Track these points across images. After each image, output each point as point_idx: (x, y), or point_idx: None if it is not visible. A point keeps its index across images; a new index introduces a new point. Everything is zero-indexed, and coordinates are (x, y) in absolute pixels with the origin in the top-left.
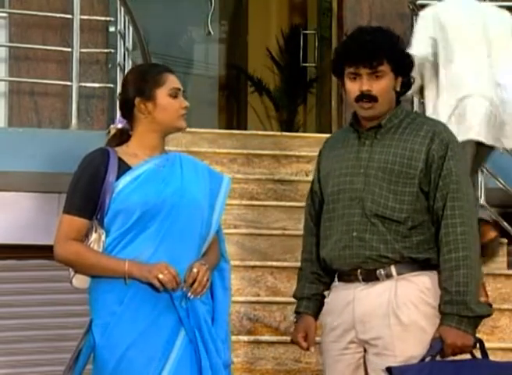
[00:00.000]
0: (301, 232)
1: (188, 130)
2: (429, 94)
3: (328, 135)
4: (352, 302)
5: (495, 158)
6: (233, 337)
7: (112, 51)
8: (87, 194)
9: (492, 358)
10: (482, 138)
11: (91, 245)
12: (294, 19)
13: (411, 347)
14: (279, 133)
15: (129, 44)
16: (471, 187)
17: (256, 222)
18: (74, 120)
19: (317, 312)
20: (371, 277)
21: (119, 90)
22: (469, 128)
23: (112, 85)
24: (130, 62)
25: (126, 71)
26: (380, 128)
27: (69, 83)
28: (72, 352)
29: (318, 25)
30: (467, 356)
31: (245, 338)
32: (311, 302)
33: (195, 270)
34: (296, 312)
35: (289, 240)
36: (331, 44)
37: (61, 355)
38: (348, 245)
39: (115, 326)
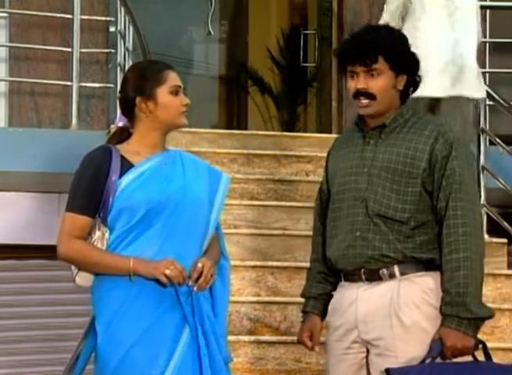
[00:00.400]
0: (301, 232)
1: (188, 130)
2: None
3: (328, 135)
4: (355, 302)
5: (495, 158)
6: (234, 337)
7: (113, 51)
8: (89, 191)
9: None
10: (441, 94)
11: (95, 243)
12: (294, 19)
13: (413, 348)
14: (279, 133)
15: (130, 44)
16: (475, 187)
17: (256, 222)
18: (74, 120)
19: (323, 312)
20: (374, 277)
21: (119, 90)
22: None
23: (112, 85)
24: (131, 62)
25: None
26: (384, 127)
27: (69, 83)
28: (73, 352)
29: (318, 25)
30: (470, 358)
31: (245, 338)
32: (317, 302)
33: (200, 265)
34: (303, 312)
35: (290, 240)
36: (331, 44)
37: (61, 355)
38: (351, 245)
39: (119, 324)
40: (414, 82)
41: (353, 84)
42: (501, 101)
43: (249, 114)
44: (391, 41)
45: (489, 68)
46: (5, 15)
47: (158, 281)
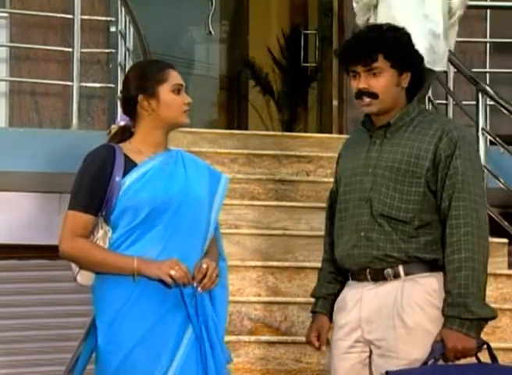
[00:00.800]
0: (302, 232)
1: (189, 130)
2: None
3: (328, 135)
4: (360, 301)
5: (495, 158)
6: (234, 337)
7: (113, 51)
8: (92, 190)
9: None
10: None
11: (97, 242)
12: (295, 19)
13: (415, 350)
14: (279, 133)
15: (130, 44)
16: (479, 186)
17: (257, 222)
18: (75, 120)
19: (331, 312)
20: (379, 277)
21: (119, 90)
22: None
23: (112, 85)
24: (131, 62)
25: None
26: (390, 127)
27: (69, 83)
28: (73, 352)
29: (318, 25)
30: (475, 360)
31: (246, 338)
32: (326, 302)
33: (205, 266)
34: (312, 312)
35: (290, 240)
36: (332, 44)
37: (61, 355)
38: (356, 245)
39: (121, 324)
40: (419, 79)
41: (355, 84)
42: (501, 102)
43: (249, 114)
44: (391, 39)
45: (490, 68)
46: (5, 15)
47: (161, 281)
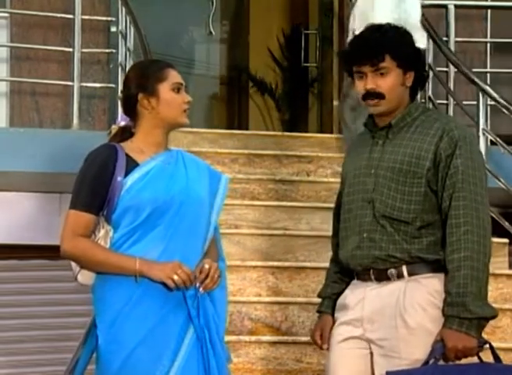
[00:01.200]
0: (302, 232)
1: (189, 130)
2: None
3: (329, 135)
4: (362, 301)
5: (496, 158)
6: (234, 337)
7: (114, 51)
8: (93, 189)
9: (492, 358)
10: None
11: (99, 241)
12: (295, 19)
13: (417, 350)
14: (280, 133)
15: (131, 44)
16: (480, 185)
17: (257, 222)
18: (75, 120)
19: None
20: (382, 277)
21: (120, 90)
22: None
23: (113, 85)
24: (132, 62)
25: None
26: (391, 127)
27: (70, 83)
28: (74, 352)
29: (319, 25)
30: (476, 360)
31: (246, 338)
32: (332, 301)
33: (207, 266)
34: (318, 312)
35: (291, 240)
36: (332, 44)
37: (62, 355)
38: (359, 246)
39: (122, 324)
40: (422, 78)
41: (361, 85)
42: (502, 101)
43: (250, 114)
44: (396, 38)
45: (490, 68)
46: (6, 15)
47: (163, 283)
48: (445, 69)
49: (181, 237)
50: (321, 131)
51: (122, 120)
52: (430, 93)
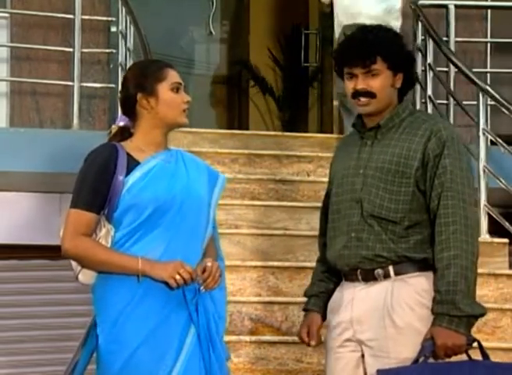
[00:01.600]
0: (302, 232)
1: (189, 130)
2: None
3: (329, 135)
4: (351, 302)
5: (496, 158)
6: (235, 337)
7: (114, 51)
8: (94, 188)
9: (493, 358)
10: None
11: (100, 241)
12: (295, 19)
13: (406, 349)
14: (280, 133)
15: (131, 44)
16: (468, 185)
17: (257, 222)
18: (76, 120)
19: (324, 310)
20: (369, 277)
21: (120, 89)
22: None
23: (113, 85)
24: (132, 62)
25: None
26: (380, 128)
27: (70, 83)
28: (74, 352)
29: (319, 25)
30: (465, 357)
31: (246, 338)
32: (318, 300)
33: (209, 265)
34: (304, 310)
35: (291, 240)
36: (332, 44)
37: (63, 355)
38: (347, 245)
39: (124, 324)
40: (410, 80)
41: (351, 85)
42: (502, 101)
43: (250, 114)
44: (387, 40)
45: (490, 68)
46: (6, 15)
47: (165, 282)
48: (445, 69)
49: (182, 237)
50: (322, 131)
51: (121, 120)
52: (430, 93)
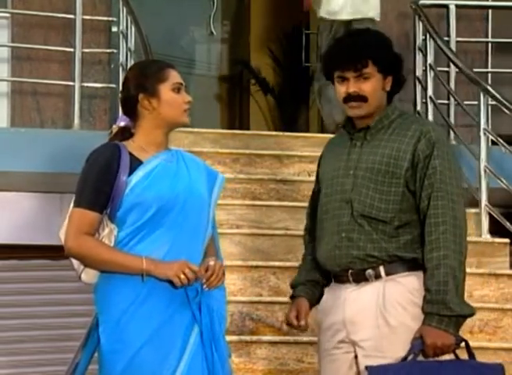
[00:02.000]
0: (303, 232)
1: (190, 130)
2: None
3: (330, 135)
4: (343, 303)
5: (497, 158)
6: (236, 337)
7: (115, 51)
8: (97, 187)
9: (494, 358)
10: (349, 16)
11: (103, 240)
12: (296, 18)
13: (400, 348)
14: (281, 133)
15: (132, 44)
16: (456, 185)
17: (258, 222)
18: (76, 120)
19: (312, 297)
20: (360, 278)
21: (120, 89)
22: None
23: (114, 85)
24: (133, 62)
25: None
26: (369, 129)
27: (71, 83)
28: (75, 352)
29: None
30: (453, 357)
31: (247, 338)
32: (305, 287)
33: (212, 263)
34: (291, 297)
35: (292, 240)
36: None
37: (63, 355)
38: (337, 246)
39: (128, 323)
40: (399, 82)
41: (343, 89)
42: (503, 101)
43: (251, 114)
44: (377, 44)
45: (491, 68)
46: (7, 15)
47: (169, 281)
48: (446, 69)
49: (185, 236)
50: (322, 131)
51: (121, 120)
52: (431, 93)
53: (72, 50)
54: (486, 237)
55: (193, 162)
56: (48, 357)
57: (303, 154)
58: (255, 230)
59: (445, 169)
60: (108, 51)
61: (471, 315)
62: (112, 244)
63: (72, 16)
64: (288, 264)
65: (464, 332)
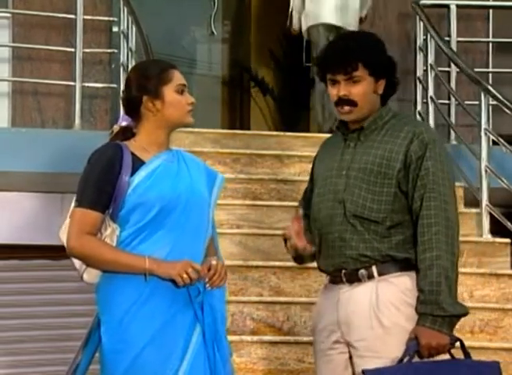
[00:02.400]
0: None
1: (191, 130)
2: None
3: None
4: (337, 304)
5: (498, 158)
6: (236, 337)
7: (115, 51)
8: (99, 187)
9: (495, 358)
10: (334, 21)
11: (105, 240)
12: None
13: (394, 348)
14: (281, 133)
15: (133, 44)
16: (448, 186)
17: (259, 222)
18: (77, 120)
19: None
20: (353, 278)
21: (122, 90)
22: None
23: (115, 85)
24: (133, 62)
25: None
26: (363, 130)
27: (72, 83)
28: (76, 352)
29: None
30: (448, 356)
31: (248, 338)
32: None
33: (214, 263)
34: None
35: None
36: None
37: (64, 355)
38: (331, 245)
39: (130, 323)
40: (392, 85)
41: (334, 92)
42: (504, 101)
43: (251, 114)
44: (369, 47)
45: (492, 68)
46: (7, 15)
47: (172, 281)
48: (447, 69)
49: (187, 236)
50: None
51: (123, 120)
52: (432, 93)
53: (73, 50)
54: (487, 237)
55: (193, 162)
56: (48, 357)
57: (303, 154)
58: (256, 230)
59: (437, 171)
60: (109, 51)
61: (465, 314)
62: (114, 244)
63: (72, 16)
64: (288, 264)
65: (464, 332)
